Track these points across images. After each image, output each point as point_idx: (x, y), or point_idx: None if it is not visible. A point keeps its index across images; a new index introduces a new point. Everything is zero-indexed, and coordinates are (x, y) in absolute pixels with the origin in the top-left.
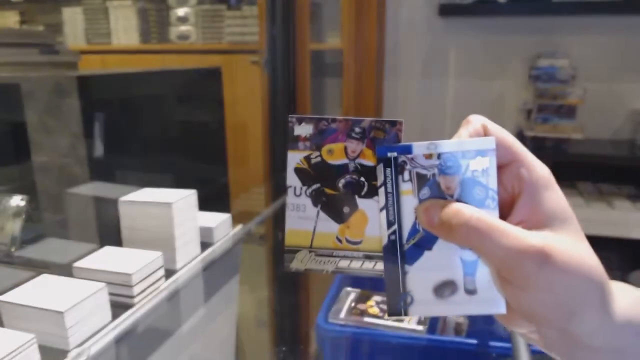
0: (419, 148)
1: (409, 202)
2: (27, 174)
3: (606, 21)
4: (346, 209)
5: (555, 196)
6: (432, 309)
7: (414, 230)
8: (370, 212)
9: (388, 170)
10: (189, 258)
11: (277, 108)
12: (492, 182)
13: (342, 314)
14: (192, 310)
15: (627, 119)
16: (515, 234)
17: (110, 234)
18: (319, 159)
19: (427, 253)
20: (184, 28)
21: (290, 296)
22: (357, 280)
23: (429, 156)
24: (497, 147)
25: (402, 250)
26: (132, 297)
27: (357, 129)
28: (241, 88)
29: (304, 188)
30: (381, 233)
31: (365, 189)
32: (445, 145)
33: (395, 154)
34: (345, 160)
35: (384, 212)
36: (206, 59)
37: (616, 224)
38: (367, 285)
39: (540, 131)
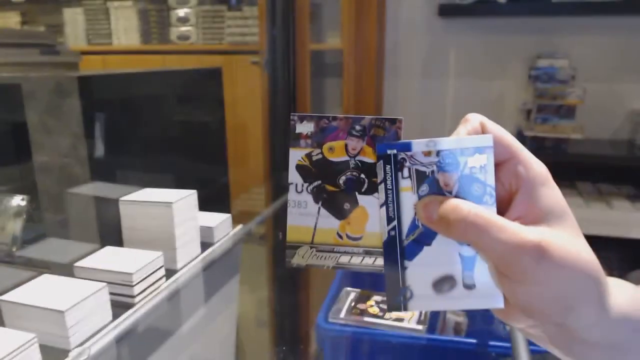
0: (418, 145)
1: (409, 199)
2: (28, 174)
3: (606, 21)
4: (347, 206)
5: (552, 193)
6: (431, 303)
7: (413, 226)
8: (371, 209)
9: (388, 167)
10: (190, 258)
11: (277, 108)
12: (490, 178)
13: (342, 314)
14: (192, 310)
15: (627, 119)
16: (512, 229)
17: (110, 233)
18: (320, 156)
19: (426, 248)
20: (184, 28)
21: (290, 296)
22: (357, 280)
23: (428, 153)
24: (495, 145)
25: (401, 246)
26: (132, 296)
27: (357, 127)
28: (241, 88)
29: (305, 185)
30: (381, 229)
31: (366, 185)
32: (444, 143)
33: (394, 151)
34: (345, 158)
35: (384, 208)
36: (206, 60)
37: (615, 224)
38: (367, 284)
39: (540, 131)
